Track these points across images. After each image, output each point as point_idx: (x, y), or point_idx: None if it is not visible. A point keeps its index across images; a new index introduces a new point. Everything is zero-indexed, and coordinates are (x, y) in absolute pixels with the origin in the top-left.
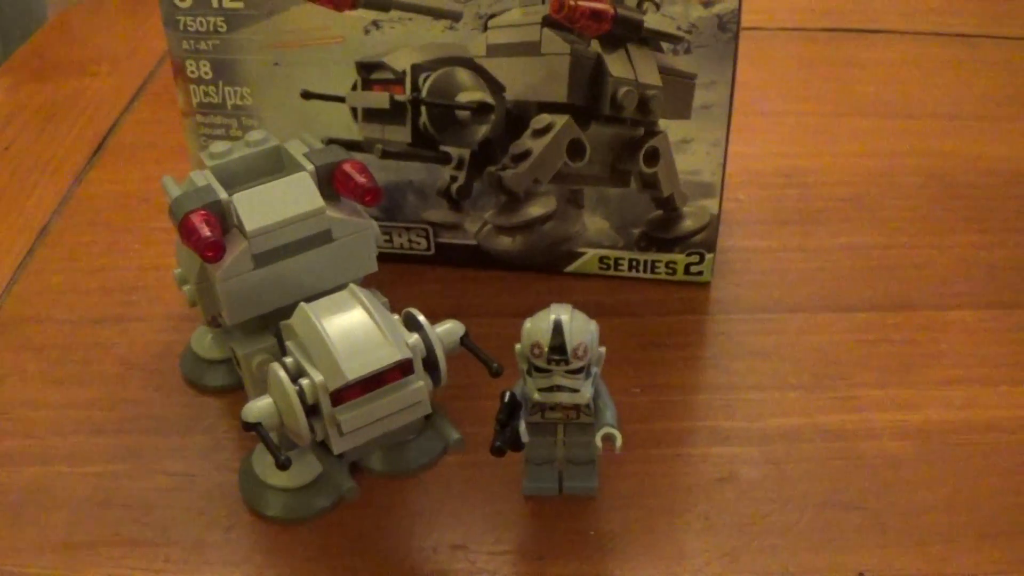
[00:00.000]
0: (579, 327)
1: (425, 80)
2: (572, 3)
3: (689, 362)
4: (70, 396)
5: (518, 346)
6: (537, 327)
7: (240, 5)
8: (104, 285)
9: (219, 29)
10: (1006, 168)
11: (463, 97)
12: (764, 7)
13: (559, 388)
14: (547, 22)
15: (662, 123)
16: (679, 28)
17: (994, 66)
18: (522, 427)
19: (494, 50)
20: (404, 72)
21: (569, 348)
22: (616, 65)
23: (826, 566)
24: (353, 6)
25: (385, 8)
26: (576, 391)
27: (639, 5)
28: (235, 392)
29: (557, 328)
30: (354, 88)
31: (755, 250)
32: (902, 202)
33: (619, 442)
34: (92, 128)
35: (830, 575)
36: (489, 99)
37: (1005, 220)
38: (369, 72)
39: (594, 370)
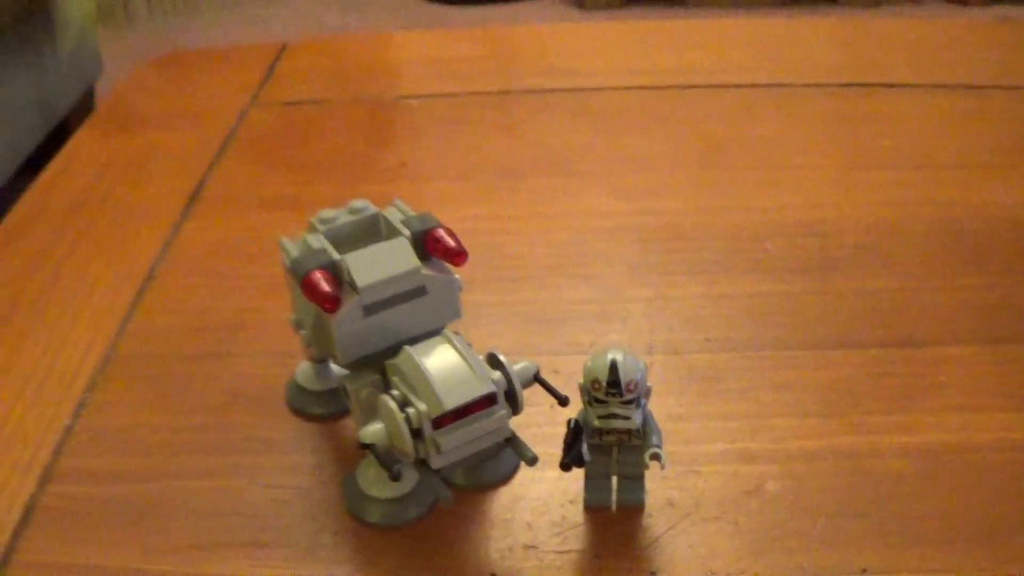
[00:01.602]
0: (631, 366)
1: None
2: None
3: (723, 394)
4: (182, 422)
5: (580, 381)
6: (596, 366)
7: None
8: (208, 325)
9: None
10: (1008, 215)
11: None
12: (791, 65)
13: (614, 416)
14: None
15: None
16: None
17: (1002, 116)
18: (584, 448)
19: None
20: None
21: (623, 384)
22: None
23: (835, 565)
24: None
25: None
26: (628, 419)
27: None
28: (336, 419)
29: (613, 367)
30: None
31: (780, 294)
32: (911, 248)
33: (664, 461)
34: (182, 180)
35: (838, 572)
36: None
37: (1003, 263)
38: None
39: (643, 401)
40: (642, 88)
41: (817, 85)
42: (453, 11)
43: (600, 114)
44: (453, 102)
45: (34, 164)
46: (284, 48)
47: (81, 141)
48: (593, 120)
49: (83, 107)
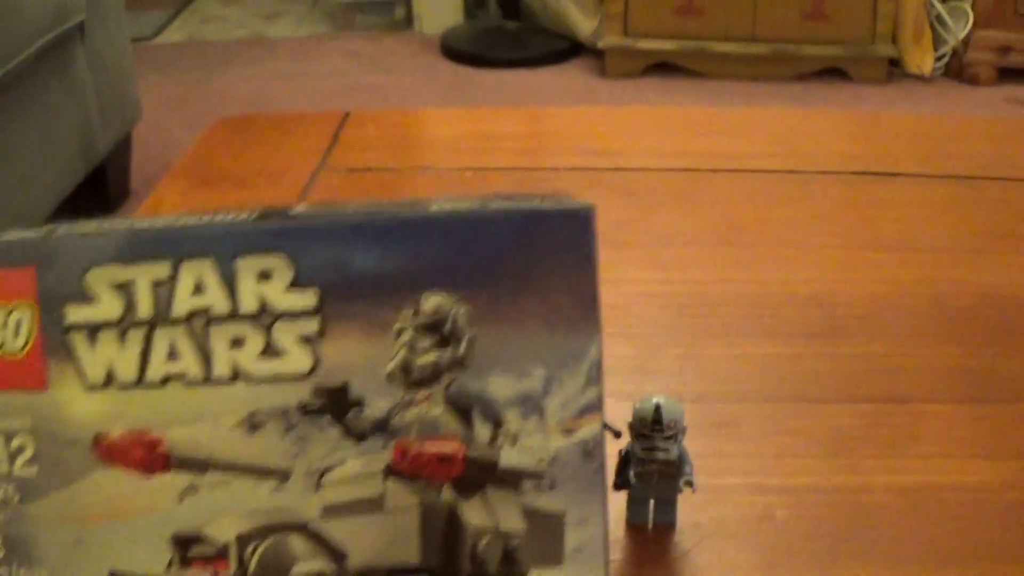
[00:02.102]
0: (672, 408)
1: (254, 552)
2: (416, 450)
3: (741, 437)
4: None
5: (629, 420)
6: (644, 408)
7: (34, 471)
8: None
9: (11, 500)
10: (991, 292)
11: (299, 570)
12: (807, 153)
13: (656, 449)
14: (390, 472)
15: (533, 574)
16: (539, 462)
17: (993, 205)
18: (631, 474)
19: (332, 511)
20: (228, 545)
21: (664, 422)
22: (473, 513)
23: None
24: (164, 468)
25: (201, 469)
26: (668, 451)
27: (492, 441)
28: None
29: (657, 409)
30: (170, 566)
31: (790, 355)
32: (903, 319)
33: (695, 488)
34: None
35: None
36: (328, 570)
37: (984, 335)
38: (186, 547)
39: (680, 437)
40: (674, 170)
41: (829, 172)
42: (480, 74)
43: (635, 192)
44: (506, 175)
45: (71, 203)
46: (347, 116)
47: (163, 193)
48: (629, 198)
49: (122, 151)
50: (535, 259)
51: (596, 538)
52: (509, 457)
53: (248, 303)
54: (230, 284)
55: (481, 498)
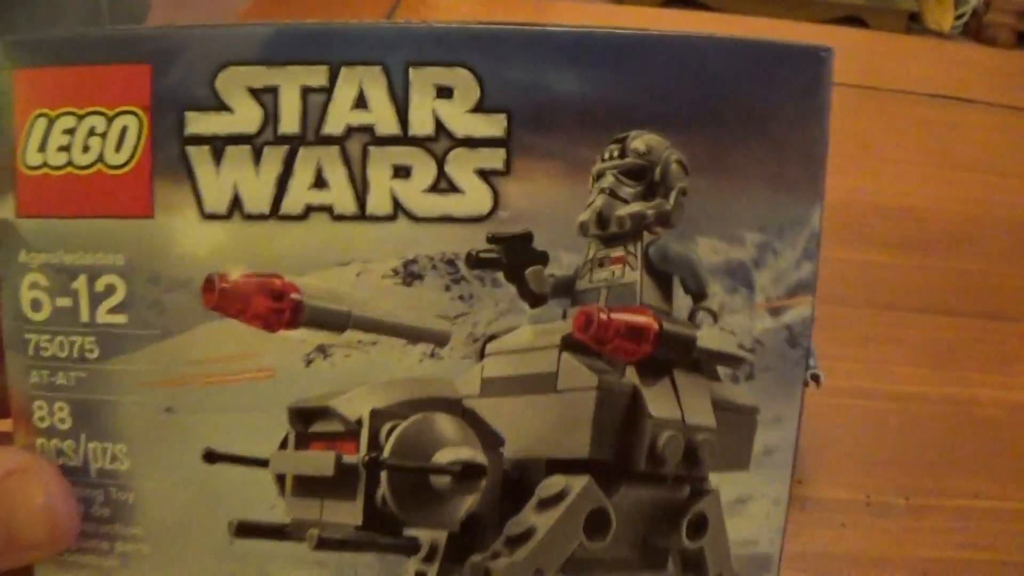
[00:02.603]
0: None
1: (390, 433)
2: (604, 316)
3: (845, 341)
4: None
5: None
6: None
7: (123, 319)
8: None
9: (87, 355)
10: None
11: (443, 457)
12: (880, 70)
13: None
14: (568, 345)
15: (713, 478)
16: (741, 346)
17: None
18: None
19: (491, 386)
20: (359, 421)
21: None
22: (658, 402)
23: (949, 487)
24: (292, 324)
25: (339, 328)
26: None
27: (691, 316)
28: None
29: None
30: (283, 446)
31: (886, 264)
32: (996, 240)
33: (820, 382)
34: None
35: (953, 495)
36: (480, 458)
37: None
38: (307, 422)
39: None
40: None
41: (906, 92)
42: None
43: None
44: None
45: None
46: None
47: None
48: None
49: None
50: (764, 101)
51: (787, 442)
52: (708, 337)
53: (420, 124)
54: (400, 99)
55: (668, 384)
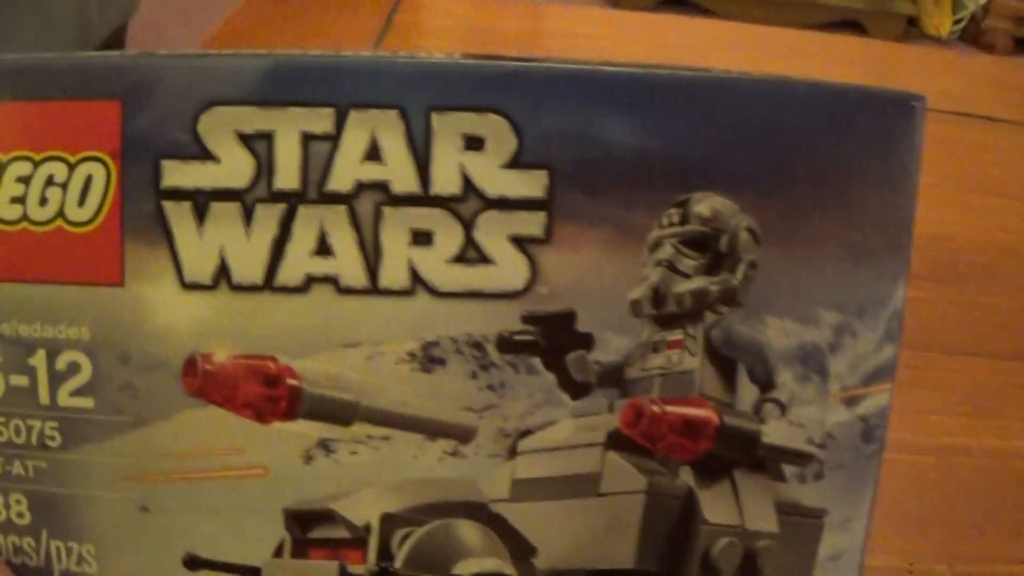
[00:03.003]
0: None
1: (403, 540)
2: (657, 409)
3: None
4: None
5: None
6: None
7: (89, 403)
8: None
9: (48, 443)
10: None
11: (465, 568)
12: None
13: None
14: (614, 442)
15: None
16: (810, 441)
17: None
18: None
19: (523, 489)
20: (368, 527)
21: None
22: (715, 506)
23: (992, 553)
24: (288, 415)
25: (345, 420)
26: None
27: (756, 408)
28: None
29: None
30: (278, 554)
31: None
32: None
33: None
34: None
35: (996, 560)
36: (508, 569)
37: None
38: (306, 527)
39: None
40: None
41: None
42: None
43: None
44: None
45: None
46: (400, 1)
47: None
48: None
49: (116, 43)
50: (845, 157)
51: (855, 546)
52: (775, 432)
53: (445, 181)
54: (421, 150)
55: (728, 485)
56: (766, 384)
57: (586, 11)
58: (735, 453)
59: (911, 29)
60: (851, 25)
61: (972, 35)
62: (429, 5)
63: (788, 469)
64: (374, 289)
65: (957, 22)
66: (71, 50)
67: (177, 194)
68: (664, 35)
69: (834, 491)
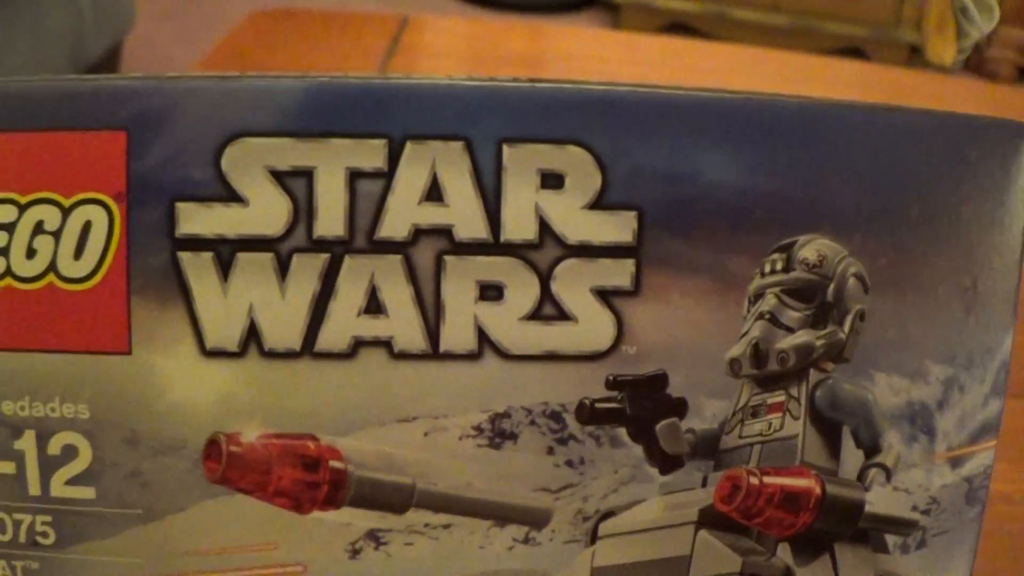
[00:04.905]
0: None
1: None
2: (756, 482)
3: None
4: None
5: None
6: None
7: (89, 493)
8: None
9: (39, 540)
10: None
11: None
12: None
13: None
14: (707, 520)
15: None
16: (915, 507)
17: None
18: None
19: None
20: None
21: None
22: None
23: None
24: (331, 503)
25: (399, 507)
26: None
27: (860, 475)
28: None
29: None
30: None
31: None
32: None
33: None
34: None
35: None
36: None
37: None
38: None
39: None
40: None
41: None
42: (485, 14)
43: None
44: None
45: None
46: (406, 22)
47: None
48: None
49: (112, 61)
50: (959, 193)
51: None
52: (879, 500)
53: (518, 225)
54: (490, 190)
55: (827, 562)
56: (872, 448)
57: (591, 32)
58: (838, 526)
59: (914, 57)
60: (854, 52)
61: (975, 64)
62: (434, 26)
63: (891, 539)
64: (434, 353)
65: (961, 51)
66: (65, 68)
67: (196, 243)
68: (671, 57)
69: (936, 559)
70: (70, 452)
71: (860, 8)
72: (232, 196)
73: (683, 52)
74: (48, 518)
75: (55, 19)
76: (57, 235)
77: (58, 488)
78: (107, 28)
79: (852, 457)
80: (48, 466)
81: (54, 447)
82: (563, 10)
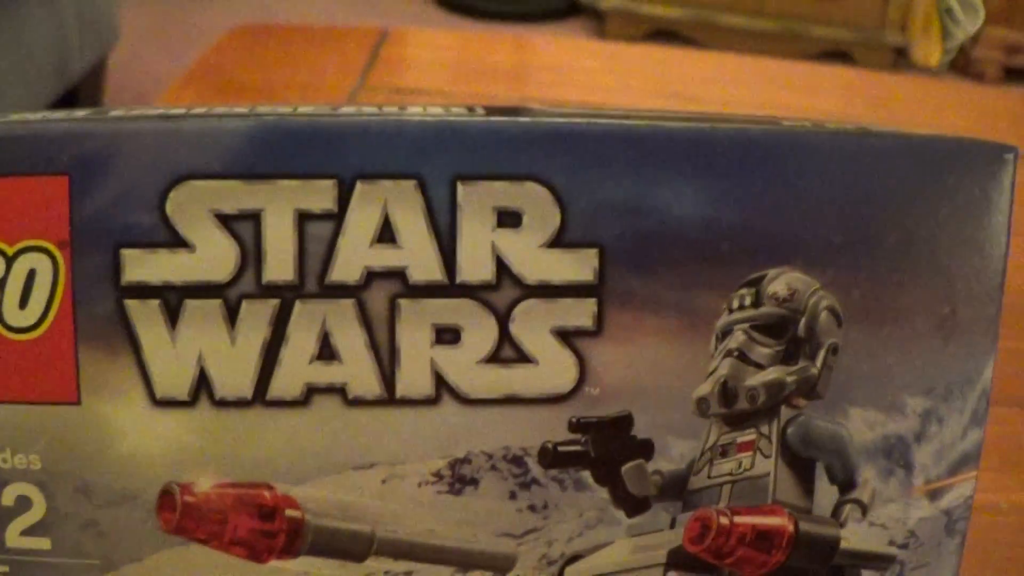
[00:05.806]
0: None
1: None
2: (725, 521)
3: None
4: None
5: None
6: None
7: (44, 544)
8: None
9: None
10: None
11: None
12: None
13: None
14: (676, 561)
15: None
16: (891, 542)
17: None
18: None
19: None
20: None
21: None
22: None
23: None
24: (289, 552)
25: (358, 555)
26: None
27: (835, 511)
28: None
29: None
30: None
31: None
32: None
33: None
34: None
35: None
36: None
37: None
38: None
39: None
40: None
41: None
42: (469, 24)
43: None
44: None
45: None
46: (386, 35)
47: (175, 100)
48: None
49: (96, 77)
50: (936, 219)
51: None
52: (855, 536)
53: (475, 266)
54: (445, 229)
55: None
56: (847, 484)
57: (575, 43)
58: (812, 563)
59: (900, 60)
60: (840, 56)
61: (962, 65)
62: (415, 39)
63: (868, 574)
64: (390, 399)
65: (947, 52)
66: (49, 85)
67: (143, 290)
68: (657, 67)
69: None
70: (24, 503)
71: (845, 11)
72: (178, 241)
73: (666, 61)
74: (6, 568)
75: (39, 36)
76: (1, 284)
77: (13, 539)
78: (91, 44)
79: (826, 493)
80: (3, 517)
81: (7, 498)
82: (548, 19)
